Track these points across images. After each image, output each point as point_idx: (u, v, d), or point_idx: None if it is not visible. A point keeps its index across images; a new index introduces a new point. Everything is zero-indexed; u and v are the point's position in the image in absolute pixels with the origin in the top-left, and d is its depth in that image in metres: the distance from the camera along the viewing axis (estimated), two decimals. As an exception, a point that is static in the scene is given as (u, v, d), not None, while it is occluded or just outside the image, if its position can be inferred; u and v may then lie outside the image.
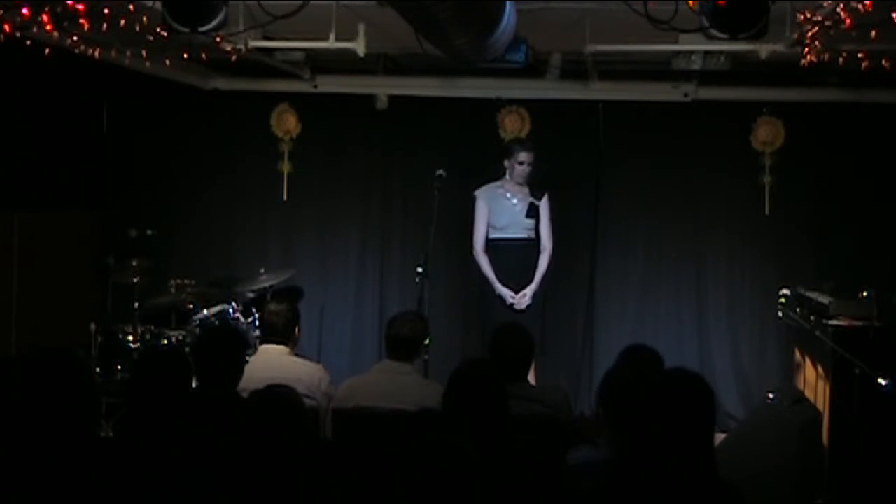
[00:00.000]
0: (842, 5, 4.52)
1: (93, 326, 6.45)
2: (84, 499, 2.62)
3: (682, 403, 2.80)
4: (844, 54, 5.63)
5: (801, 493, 5.20)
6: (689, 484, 2.70)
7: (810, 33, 4.99)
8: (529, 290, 6.55)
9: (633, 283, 7.75)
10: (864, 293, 5.74)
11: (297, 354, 4.91)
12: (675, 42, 5.63)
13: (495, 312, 6.50)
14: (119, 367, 6.40)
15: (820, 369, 6.03)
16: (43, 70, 6.42)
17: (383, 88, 7.73)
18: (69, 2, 4.80)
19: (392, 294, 7.93)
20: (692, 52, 6.38)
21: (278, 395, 3.24)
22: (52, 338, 6.59)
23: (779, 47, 5.48)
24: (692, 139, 7.67)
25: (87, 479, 2.68)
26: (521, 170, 6.63)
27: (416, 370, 4.72)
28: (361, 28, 5.71)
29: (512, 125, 7.78)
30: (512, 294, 6.52)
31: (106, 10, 4.98)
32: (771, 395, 5.64)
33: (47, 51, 5.52)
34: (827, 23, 4.76)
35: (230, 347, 4.16)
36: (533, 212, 6.69)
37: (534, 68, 7.03)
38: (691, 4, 4.25)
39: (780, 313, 6.56)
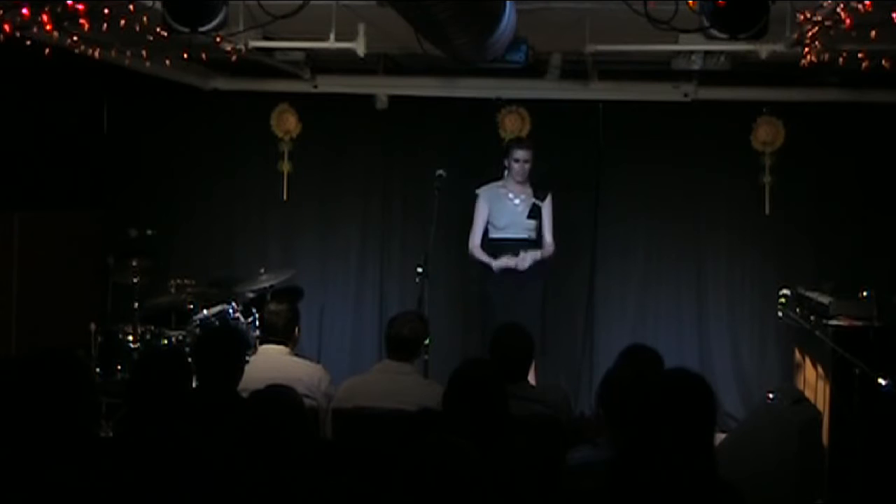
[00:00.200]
0: (842, 5, 4.52)
1: (93, 326, 6.45)
2: (84, 499, 2.62)
3: (682, 403, 2.80)
4: (844, 54, 5.63)
5: (801, 493, 5.20)
6: (689, 484, 2.70)
7: (810, 33, 4.99)
8: (530, 255, 6.53)
9: (633, 283, 7.75)
10: (864, 293, 5.74)
11: (297, 354, 4.91)
12: (675, 42, 5.63)
13: (495, 312, 6.50)
14: (119, 367, 6.40)
15: (820, 369, 6.03)
16: (43, 70, 6.43)
17: (383, 88, 7.74)
18: (69, 2, 4.80)
19: (392, 294, 7.93)
20: (692, 52, 6.38)
21: (278, 395, 3.24)
22: (52, 338, 6.59)
23: (779, 47, 5.48)
24: (692, 139, 7.66)
25: (87, 479, 2.68)
26: (518, 168, 6.64)
27: (416, 370, 4.71)
28: (361, 28, 5.71)
29: (512, 125, 7.78)
30: (512, 256, 6.50)
31: (106, 10, 4.98)
32: (771, 395, 5.64)
33: (47, 51, 5.52)
34: (827, 23, 4.76)
35: (230, 347, 4.15)
36: (535, 213, 6.69)
37: (534, 68, 7.03)
38: (691, 4, 4.25)
39: (780, 313, 6.56)
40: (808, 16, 4.82)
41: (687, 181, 7.67)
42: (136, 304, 6.70)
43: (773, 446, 5.23)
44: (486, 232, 6.77)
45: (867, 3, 4.37)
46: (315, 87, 7.76)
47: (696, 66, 6.66)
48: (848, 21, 4.64)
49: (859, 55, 5.66)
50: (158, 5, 4.54)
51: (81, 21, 5.01)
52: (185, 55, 6.38)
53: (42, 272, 7.08)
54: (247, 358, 4.37)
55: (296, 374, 4.39)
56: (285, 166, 8.03)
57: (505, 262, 6.53)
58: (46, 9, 4.86)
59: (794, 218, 7.54)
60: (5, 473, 2.67)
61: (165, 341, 6.52)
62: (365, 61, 6.58)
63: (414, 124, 7.94)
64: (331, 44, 5.63)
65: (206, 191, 8.09)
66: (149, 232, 7.06)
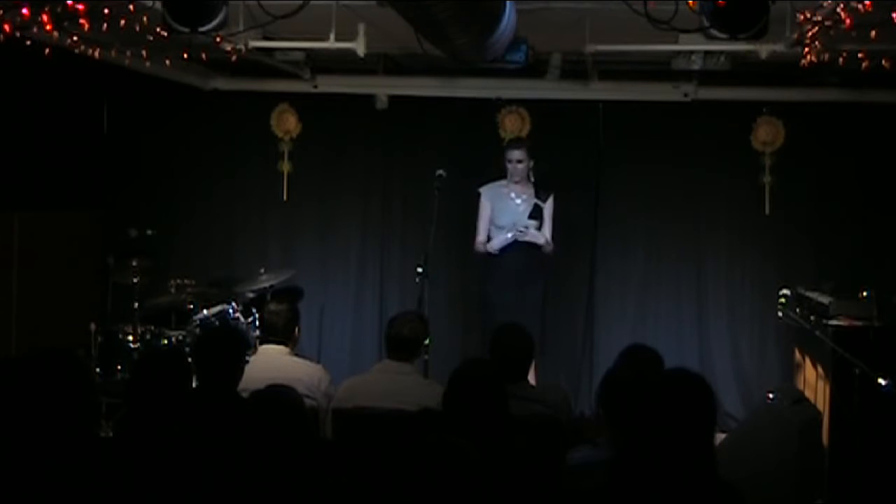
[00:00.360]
0: (842, 5, 4.52)
1: (93, 326, 6.45)
2: (84, 499, 2.62)
3: (682, 403, 2.79)
4: (844, 54, 5.62)
5: (801, 493, 5.20)
6: (689, 484, 2.70)
7: (810, 33, 4.99)
8: (531, 233, 6.55)
9: (633, 283, 7.75)
10: (864, 293, 5.74)
11: (297, 354, 4.91)
12: (675, 42, 5.63)
13: (495, 312, 6.50)
14: (119, 367, 6.40)
15: (820, 369, 6.03)
16: (43, 70, 6.43)
17: (383, 88, 7.74)
18: (69, 2, 4.80)
19: (392, 294, 7.93)
20: (692, 52, 6.38)
21: (278, 395, 3.24)
22: (52, 338, 6.59)
23: (779, 47, 5.48)
24: (692, 139, 7.66)
25: (87, 479, 2.68)
26: (512, 168, 6.65)
27: (416, 370, 4.71)
28: (361, 28, 5.71)
29: (512, 125, 7.78)
30: (517, 225, 6.54)
31: (106, 10, 4.98)
32: (771, 395, 5.64)
33: (47, 51, 5.52)
34: (827, 23, 4.76)
35: (230, 347, 4.15)
36: (537, 213, 6.70)
37: (534, 68, 7.03)
38: (691, 4, 4.25)
39: (780, 313, 6.56)
40: (808, 16, 4.82)
41: (687, 181, 7.67)
42: (136, 304, 6.70)
43: (773, 446, 5.23)
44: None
45: (867, 3, 4.37)
46: (315, 87, 7.76)
47: (696, 66, 6.66)
48: (848, 21, 4.64)
49: (859, 55, 5.66)
50: (158, 5, 4.54)
51: (81, 21, 5.01)
52: (185, 55, 6.38)
53: (42, 272, 7.08)
54: (247, 358, 4.37)
55: (296, 374, 4.39)
56: (285, 166, 8.03)
57: (502, 239, 6.54)
58: (46, 9, 4.86)
59: (794, 218, 7.54)
60: (5, 473, 2.67)
61: (165, 341, 6.52)
62: (365, 61, 6.58)
63: (414, 124, 7.94)
64: (331, 44, 5.63)
65: (206, 191, 8.09)
66: (149, 232, 7.07)
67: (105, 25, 5.13)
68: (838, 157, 7.45)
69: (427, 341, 5.15)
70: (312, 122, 8.01)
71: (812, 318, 5.91)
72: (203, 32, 4.47)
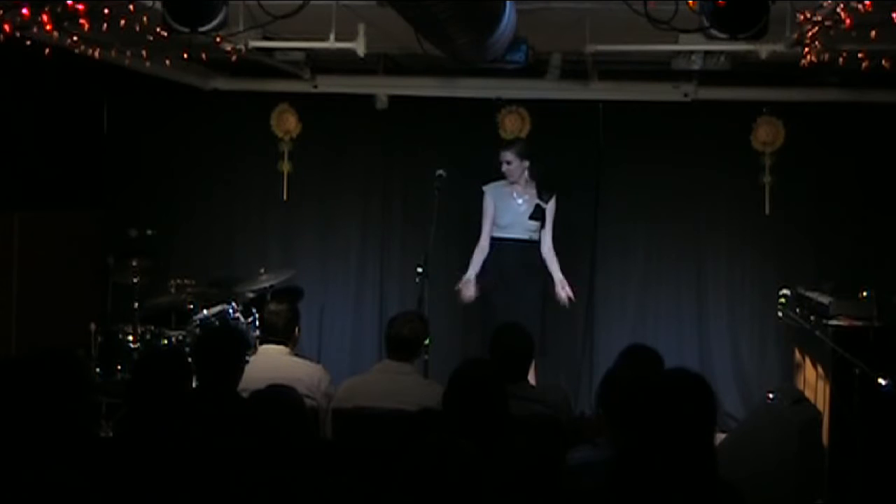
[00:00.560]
0: (842, 5, 4.52)
1: (93, 326, 6.45)
2: (84, 499, 2.62)
3: (682, 403, 2.79)
4: (844, 54, 5.62)
5: (801, 493, 5.20)
6: (689, 484, 2.70)
7: (810, 33, 4.99)
8: (567, 287, 6.66)
9: (633, 283, 7.74)
10: (864, 293, 5.74)
11: (297, 354, 4.91)
12: (675, 42, 5.63)
13: (495, 312, 6.50)
14: (119, 367, 6.40)
15: (820, 369, 6.03)
16: (43, 70, 6.43)
17: (383, 88, 7.73)
18: (69, 2, 4.80)
19: (392, 294, 7.93)
20: (692, 52, 6.38)
21: (278, 395, 3.24)
22: (52, 338, 6.58)
23: (779, 47, 5.48)
24: (692, 139, 7.66)
25: (87, 479, 2.68)
26: (505, 169, 6.67)
27: (416, 370, 4.71)
28: (361, 28, 5.71)
29: (512, 125, 7.78)
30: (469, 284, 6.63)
31: (106, 10, 4.98)
32: (771, 395, 5.64)
33: (47, 51, 5.52)
34: (827, 23, 4.76)
35: (230, 347, 4.15)
36: (538, 214, 6.70)
37: (534, 68, 7.03)
38: (691, 4, 4.25)
39: (780, 313, 6.57)
40: (808, 16, 4.82)
41: (687, 181, 7.67)
42: (136, 304, 6.70)
43: (773, 446, 5.23)
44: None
45: (867, 3, 4.37)
46: (315, 87, 7.76)
47: (696, 66, 6.66)
48: (848, 21, 4.64)
49: (859, 55, 5.66)
50: (158, 5, 4.53)
51: (81, 21, 5.01)
52: (185, 55, 6.38)
53: (42, 272, 7.08)
54: (247, 358, 4.37)
55: (296, 374, 4.39)
56: (285, 166, 8.03)
57: (463, 282, 6.66)
58: (46, 9, 4.86)
59: (794, 218, 7.54)
60: (5, 473, 2.67)
61: (165, 341, 6.52)
62: (365, 61, 6.58)
63: (414, 124, 7.93)
64: (331, 44, 5.63)
65: (206, 191, 8.09)
66: (149, 232, 7.06)
67: (105, 25, 5.13)
68: (838, 157, 7.45)
69: (427, 341, 5.14)
70: (312, 122, 8.01)
71: (812, 318, 5.90)
72: (203, 32, 4.46)
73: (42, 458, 2.81)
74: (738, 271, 7.65)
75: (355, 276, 8.00)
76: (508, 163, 6.66)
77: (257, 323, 6.56)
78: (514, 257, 6.67)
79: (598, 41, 5.87)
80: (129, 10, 4.97)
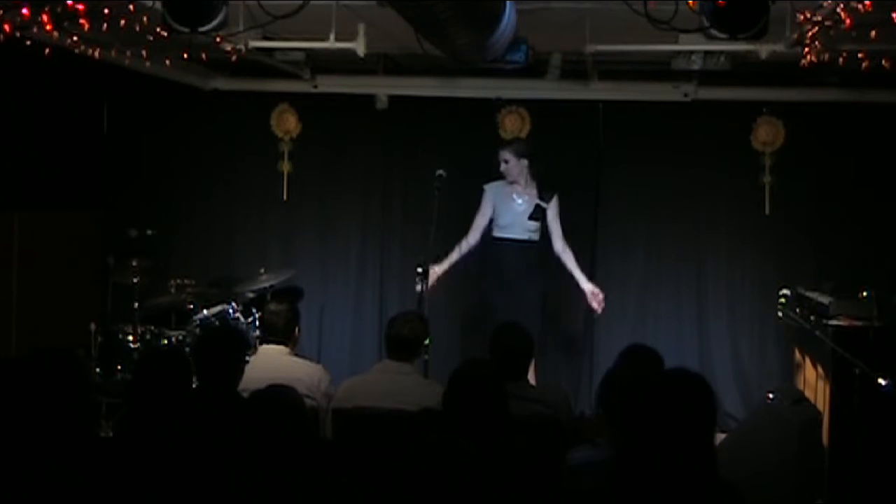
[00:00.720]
0: (842, 5, 4.52)
1: (93, 326, 6.45)
2: (84, 499, 2.62)
3: (682, 403, 2.80)
4: (844, 54, 5.62)
5: (801, 493, 5.20)
6: (689, 484, 2.70)
7: (810, 33, 4.99)
8: (599, 295, 6.71)
9: (633, 283, 7.74)
10: (864, 293, 5.74)
11: (297, 354, 4.91)
12: (675, 42, 5.63)
13: (495, 312, 6.50)
14: (119, 367, 6.40)
15: (820, 369, 6.03)
16: (43, 70, 6.43)
17: (383, 88, 7.73)
18: (69, 2, 4.80)
19: (392, 294, 7.93)
20: (692, 52, 6.38)
21: (279, 395, 3.24)
22: (52, 338, 6.59)
23: (779, 47, 5.47)
24: (692, 139, 7.66)
25: (87, 479, 2.68)
26: (503, 168, 6.67)
27: (416, 370, 4.71)
28: (361, 28, 5.71)
29: (512, 125, 7.78)
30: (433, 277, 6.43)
31: (106, 10, 4.98)
32: (771, 395, 5.64)
33: (47, 51, 5.52)
34: (827, 23, 4.76)
35: (230, 347, 4.15)
36: (538, 214, 6.70)
37: (534, 68, 7.03)
38: (691, 4, 4.25)
39: (780, 313, 6.56)
40: (808, 16, 4.82)
41: (687, 181, 7.66)
42: (136, 304, 6.70)
43: (773, 446, 5.23)
44: (490, 230, 6.78)
45: (867, 3, 4.37)
46: (315, 87, 7.76)
47: (696, 66, 6.66)
48: (848, 21, 4.63)
49: (859, 55, 5.66)
50: (158, 5, 4.53)
51: (81, 21, 5.01)
52: (185, 55, 6.38)
53: (42, 272, 7.08)
54: (247, 358, 4.37)
55: (296, 374, 4.39)
56: (285, 166, 8.03)
57: (431, 272, 6.44)
58: (46, 9, 4.86)
59: (794, 218, 7.53)
60: (5, 473, 2.67)
61: (165, 341, 6.52)
62: (365, 61, 6.58)
63: (414, 124, 7.93)
64: (331, 44, 5.63)
65: (206, 191, 8.09)
66: (149, 232, 7.06)
67: (105, 25, 5.13)
68: (838, 157, 7.44)
69: (427, 341, 5.14)
70: (312, 122, 8.01)
71: (812, 318, 5.90)
72: (203, 32, 4.46)
73: (42, 458, 2.81)
74: (738, 271, 7.65)
75: (355, 276, 8.00)
76: (506, 162, 6.67)
77: (257, 323, 6.56)
78: (514, 257, 6.67)
79: (598, 41, 5.87)
80: (129, 10, 4.97)
